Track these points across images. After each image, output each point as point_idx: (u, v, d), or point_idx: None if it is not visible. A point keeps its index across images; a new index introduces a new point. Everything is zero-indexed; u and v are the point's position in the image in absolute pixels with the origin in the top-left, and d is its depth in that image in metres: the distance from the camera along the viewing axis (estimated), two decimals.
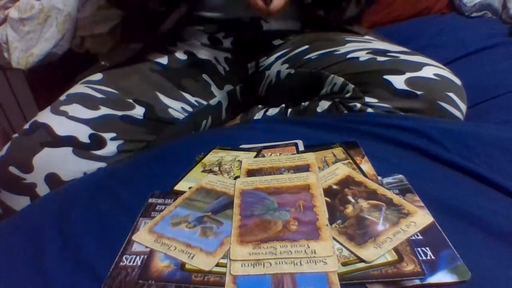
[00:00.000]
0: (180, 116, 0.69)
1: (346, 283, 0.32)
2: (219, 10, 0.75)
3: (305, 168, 0.46)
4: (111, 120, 0.61)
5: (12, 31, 0.87)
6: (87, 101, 0.61)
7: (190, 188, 0.46)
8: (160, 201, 0.45)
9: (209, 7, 0.74)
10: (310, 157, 0.48)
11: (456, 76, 0.62)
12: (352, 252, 0.34)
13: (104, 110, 0.60)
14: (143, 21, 0.76)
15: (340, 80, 0.65)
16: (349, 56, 0.67)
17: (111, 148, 0.59)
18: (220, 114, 0.78)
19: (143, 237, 0.39)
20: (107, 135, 0.59)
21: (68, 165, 0.56)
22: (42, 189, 0.55)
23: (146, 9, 0.70)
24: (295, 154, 0.51)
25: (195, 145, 0.60)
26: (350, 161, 0.47)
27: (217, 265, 0.35)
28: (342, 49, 0.69)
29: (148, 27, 0.74)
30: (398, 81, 0.59)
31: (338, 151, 0.50)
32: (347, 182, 0.43)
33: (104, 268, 0.36)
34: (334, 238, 0.36)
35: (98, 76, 0.67)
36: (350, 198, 0.41)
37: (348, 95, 0.64)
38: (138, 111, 0.64)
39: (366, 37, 0.76)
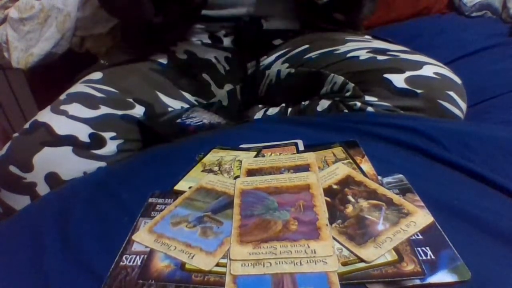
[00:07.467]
0: None
1: (346, 283, 0.32)
2: (221, 7, 0.75)
3: (305, 167, 0.46)
4: (111, 119, 0.61)
5: (12, 31, 0.87)
6: (87, 101, 0.61)
7: (190, 188, 0.46)
8: (160, 201, 0.45)
9: (213, 4, 0.74)
10: (310, 157, 0.48)
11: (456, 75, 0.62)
12: (352, 252, 0.34)
13: (104, 110, 0.60)
14: (142, 31, 0.75)
15: (340, 79, 0.65)
16: (349, 55, 0.67)
17: (111, 147, 0.59)
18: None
19: (143, 237, 0.39)
20: (107, 135, 0.59)
21: (68, 164, 0.56)
22: (42, 189, 0.55)
23: (142, 21, 0.70)
24: (295, 153, 0.51)
25: (195, 145, 0.59)
26: (350, 160, 0.47)
27: (217, 265, 0.35)
28: (342, 48, 0.69)
29: (148, 36, 0.73)
30: (398, 80, 0.59)
31: (338, 151, 0.50)
32: (347, 181, 0.43)
33: (104, 268, 0.36)
34: (334, 238, 0.36)
35: (98, 75, 0.67)
36: (350, 197, 0.41)
37: (348, 94, 0.64)
38: (138, 111, 0.64)
39: (366, 36, 0.76)
